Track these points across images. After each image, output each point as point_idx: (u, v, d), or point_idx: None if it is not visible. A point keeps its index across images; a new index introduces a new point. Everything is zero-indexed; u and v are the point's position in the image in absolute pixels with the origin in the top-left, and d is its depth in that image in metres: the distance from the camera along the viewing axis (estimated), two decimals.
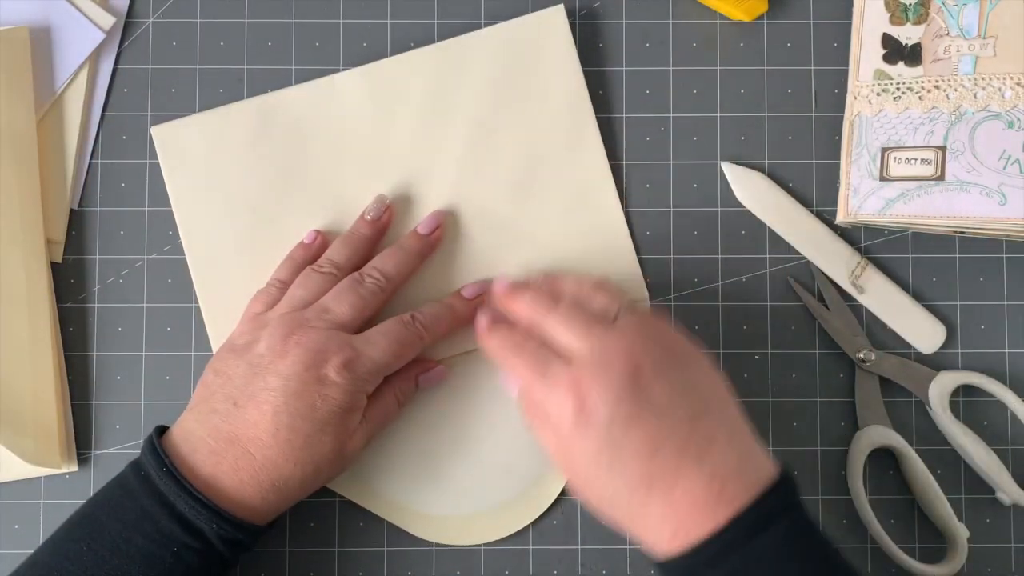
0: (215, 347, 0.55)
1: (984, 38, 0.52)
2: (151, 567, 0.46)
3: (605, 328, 0.46)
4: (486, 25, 0.57)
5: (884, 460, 0.56)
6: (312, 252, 0.54)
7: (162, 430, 0.50)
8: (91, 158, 0.56)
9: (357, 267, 0.53)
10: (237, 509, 0.47)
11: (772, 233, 0.57)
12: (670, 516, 0.43)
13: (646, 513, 0.44)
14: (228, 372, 0.49)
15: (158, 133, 0.56)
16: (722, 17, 0.57)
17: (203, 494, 0.46)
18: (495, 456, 0.55)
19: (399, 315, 0.52)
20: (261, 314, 0.51)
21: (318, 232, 0.54)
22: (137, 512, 0.46)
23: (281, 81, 0.57)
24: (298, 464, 0.48)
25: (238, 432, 0.48)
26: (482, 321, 0.50)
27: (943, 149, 0.53)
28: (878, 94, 0.54)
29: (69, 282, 0.56)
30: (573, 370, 0.45)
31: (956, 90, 0.53)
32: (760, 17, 0.57)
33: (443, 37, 0.57)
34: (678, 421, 0.44)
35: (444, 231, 0.55)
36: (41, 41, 0.56)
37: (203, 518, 0.46)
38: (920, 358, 0.56)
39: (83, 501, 0.49)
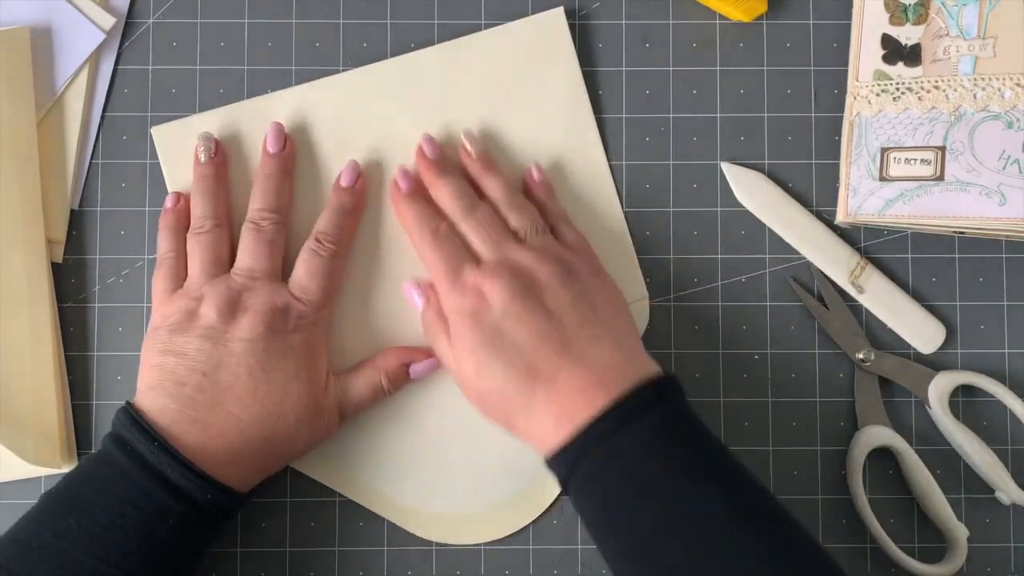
0: None
1: (984, 38, 0.52)
2: (145, 539, 0.46)
3: (515, 245, 0.50)
4: (486, 26, 0.57)
5: (884, 460, 0.56)
6: (180, 213, 0.54)
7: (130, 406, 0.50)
8: (91, 158, 0.56)
9: (226, 207, 0.54)
10: (226, 476, 0.48)
11: (772, 233, 0.57)
12: (553, 404, 0.46)
13: (531, 404, 0.47)
14: (182, 350, 0.49)
15: (158, 133, 0.56)
16: (722, 17, 0.58)
17: (195, 463, 0.47)
18: (495, 456, 0.55)
19: (307, 244, 0.53)
20: (176, 290, 0.52)
21: (178, 193, 0.55)
22: (128, 487, 0.47)
23: (281, 81, 0.57)
24: (280, 416, 0.50)
25: (217, 398, 0.49)
26: (402, 185, 0.54)
27: (943, 149, 0.53)
28: (878, 94, 0.54)
29: (69, 282, 0.56)
30: (478, 274, 0.49)
31: (956, 90, 0.53)
32: (760, 17, 0.57)
33: (443, 38, 0.57)
34: (567, 323, 0.47)
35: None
36: (41, 41, 0.56)
37: (196, 488, 0.47)
38: (920, 358, 0.56)
39: None
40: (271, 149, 0.54)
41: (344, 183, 0.54)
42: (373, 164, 0.56)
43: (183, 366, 0.49)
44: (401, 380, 0.54)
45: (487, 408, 0.49)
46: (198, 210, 0.53)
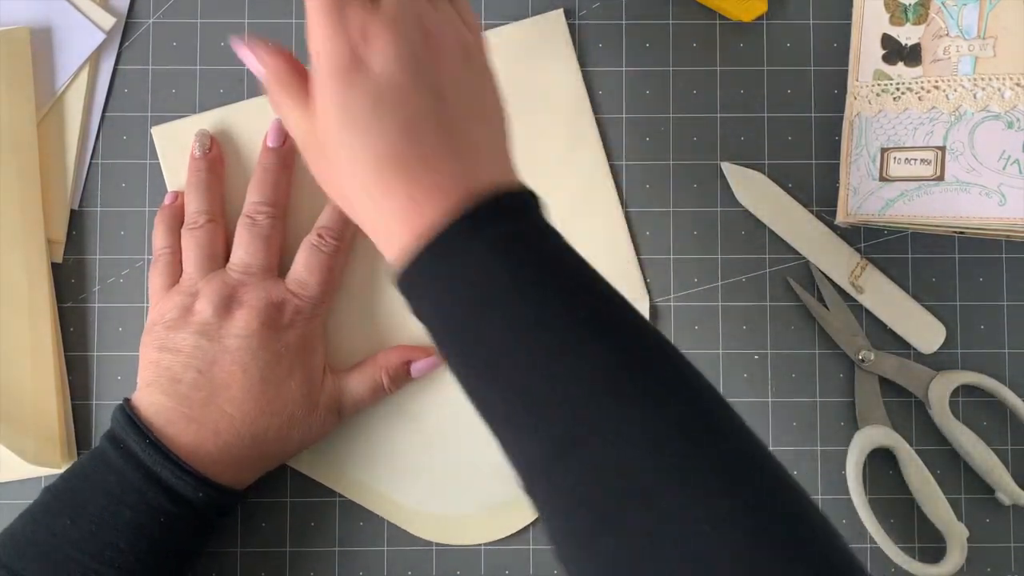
0: None
1: (984, 38, 0.52)
2: (138, 537, 0.46)
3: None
4: (486, 26, 0.57)
5: (884, 460, 0.56)
6: (177, 210, 0.54)
7: (127, 403, 0.50)
8: (91, 158, 0.56)
9: (220, 203, 0.54)
10: (220, 474, 0.48)
11: (772, 233, 0.57)
12: (411, 198, 0.38)
13: (388, 191, 0.39)
14: (177, 347, 0.49)
15: (158, 133, 0.56)
16: (722, 17, 0.57)
17: (188, 463, 0.47)
18: (495, 456, 0.55)
19: (308, 239, 0.52)
20: (172, 286, 0.52)
21: (176, 192, 0.55)
22: (122, 485, 0.47)
23: None
24: (275, 414, 0.49)
25: (211, 396, 0.49)
26: None
27: (943, 149, 0.53)
28: (878, 94, 0.54)
29: (69, 282, 0.56)
30: (369, 14, 0.39)
31: (956, 90, 0.53)
32: (760, 17, 0.57)
33: None
34: (453, 108, 0.40)
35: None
36: (41, 42, 0.56)
37: (189, 487, 0.47)
38: (920, 358, 0.56)
39: None
40: (271, 143, 0.54)
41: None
42: None
43: (179, 363, 0.49)
44: (402, 378, 0.54)
45: (329, 175, 0.41)
46: (192, 205, 0.53)
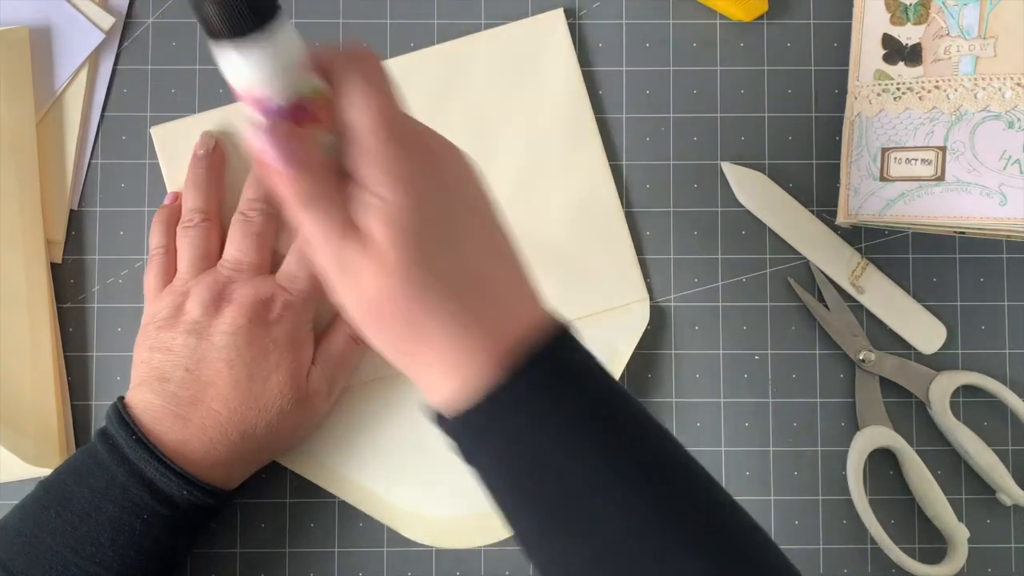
0: None
1: (984, 38, 0.52)
2: (120, 534, 0.46)
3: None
4: (486, 26, 0.57)
5: (884, 460, 0.56)
6: (175, 210, 0.54)
7: (121, 400, 0.50)
8: (91, 158, 0.56)
9: (217, 203, 0.54)
10: (207, 473, 0.48)
11: (772, 233, 0.57)
12: (459, 354, 0.38)
13: (444, 336, 0.38)
14: (167, 346, 0.50)
15: (158, 133, 0.56)
16: (722, 17, 0.57)
17: (173, 461, 0.47)
18: None
19: (297, 240, 0.52)
20: (163, 285, 0.52)
21: (177, 192, 0.55)
22: (107, 480, 0.47)
23: None
24: (263, 410, 0.49)
25: (199, 394, 0.49)
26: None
27: (943, 149, 0.53)
28: (878, 94, 0.54)
29: (69, 282, 0.56)
30: (383, 203, 0.37)
31: (956, 90, 0.53)
32: (760, 17, 0.57)
33: (443, 38, 0.57)
34: (474, 271, 0.39)
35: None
36: (41, 41, 0.56)
37: (174, 485, 0.47)
38: (920, 358, 0.56)
39: None
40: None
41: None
42: None
43: (168, 362, 0.49)
44: None
45: (383, 321, 0.38)
46: (188, 203, 0.53)
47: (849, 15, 0.56)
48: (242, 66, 0.36)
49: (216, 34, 0.35)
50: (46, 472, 0.54)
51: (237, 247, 0.52)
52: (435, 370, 0.38)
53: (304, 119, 0.38)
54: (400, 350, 0.39)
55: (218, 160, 0.55)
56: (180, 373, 0.49)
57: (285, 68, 0.36)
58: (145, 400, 0.49)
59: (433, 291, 0.38)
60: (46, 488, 0.48)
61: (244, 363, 0.49)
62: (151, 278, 0.53)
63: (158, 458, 0.47)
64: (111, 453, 0.47)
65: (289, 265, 0.52)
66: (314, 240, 0.38)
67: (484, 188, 0.41)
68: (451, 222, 0.39)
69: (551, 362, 0.38)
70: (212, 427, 0.48)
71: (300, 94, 0.37)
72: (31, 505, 0.48)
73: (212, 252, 0.52)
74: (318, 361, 0.52)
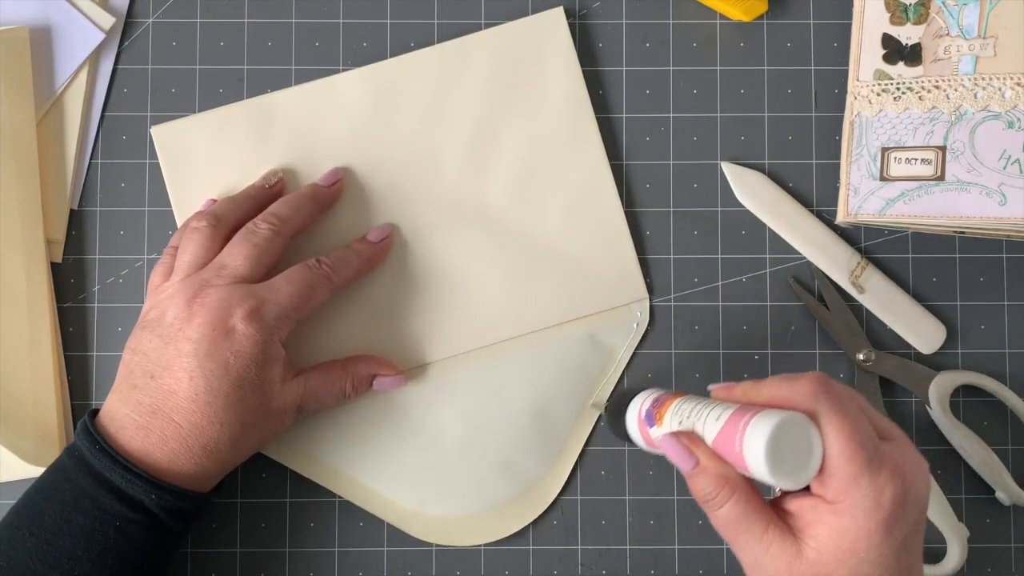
0: None
1: (984, 38, 0.52)
2: (95, 544, 0.46)
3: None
4: (486, 26, 0.57)
5: None
6: None
7: (95, 413, 0.49)
8: (91, 158, 0.56)
9: (241, 221, 0.52)
10: (175, 479, 0.47)
11: (772, 233, 0.57)
12: None
13: None
14: (143, 348, 0.49)
15: (158, 133, 0.56)
16: (722, 17, 0.57)
17: (136, 467, 0.46)
18: (494, 456, 0.55)
19: (304, 260, 0.51)
20: (161, 284, 0.51)
21: (214, 199, 0.54)
22: (75, 492, 0.46)
23: (281, 81, 0.57)
24: (224, 424, 0.47)
25: (159, 403, 0.47)
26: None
27: (943, 149, 0.53)
28: (878, 94, 0.54)
29: (69, 282, 0.56)
30: (900, 455, 0.40)
31: (956, 90, 0.53)
32: (760, 17, 0.57)
33: (443, 37, 0.57)
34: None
35: (343, 185, 0.55)
36: (41, 41, 0.56)
37: (140, 490, 0.46)
38: (920, 358, 0.56)
39: None
40: (320, 182, 0.54)
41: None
42: (373, 165, 0.56)
43: (140, 366, 0.48)
44: (364, 388, 0.53)
45: None
46: (213, 208, 0.52)
47: (849, 15, 0.56)
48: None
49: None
50: None
51: (229, 251, 0.50)
52: None
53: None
54: None
55: (276, 190, 0.54)
56: (145, 380, 0.48)
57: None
58: (113, 408, 0.48)
59: None
60: (17, 511, 0.47)
61: (204, 375, 0.47)
62: (156, 276, 0.52)
63: (123, 465, 0.46)
64: (77, 465, 0.47)
65: (277, 280, 0.50)
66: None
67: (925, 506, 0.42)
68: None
69: None
70: (172, 439, 0.47)
71: None
72: (4, 530, 0.47)
73: (211, 259, 0.51)
74: (300, 384, 0.50)
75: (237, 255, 0.50)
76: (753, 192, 0.56)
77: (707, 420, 0.41)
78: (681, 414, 0.43)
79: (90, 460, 0.47)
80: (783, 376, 0.40)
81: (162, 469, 0.47)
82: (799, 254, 0.57)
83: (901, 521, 0.39)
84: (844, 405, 0.39)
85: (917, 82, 0.54)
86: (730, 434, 0.39)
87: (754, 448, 0.38)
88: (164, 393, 0.47)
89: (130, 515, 0.46)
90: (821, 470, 0.39)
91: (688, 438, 0.42)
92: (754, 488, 0.41)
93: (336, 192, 0.55)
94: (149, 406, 0.47)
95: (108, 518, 0.46)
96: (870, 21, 0.55)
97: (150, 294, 0.51)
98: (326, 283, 0.51)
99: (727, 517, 0.40)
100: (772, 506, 0.41)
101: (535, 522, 0.55)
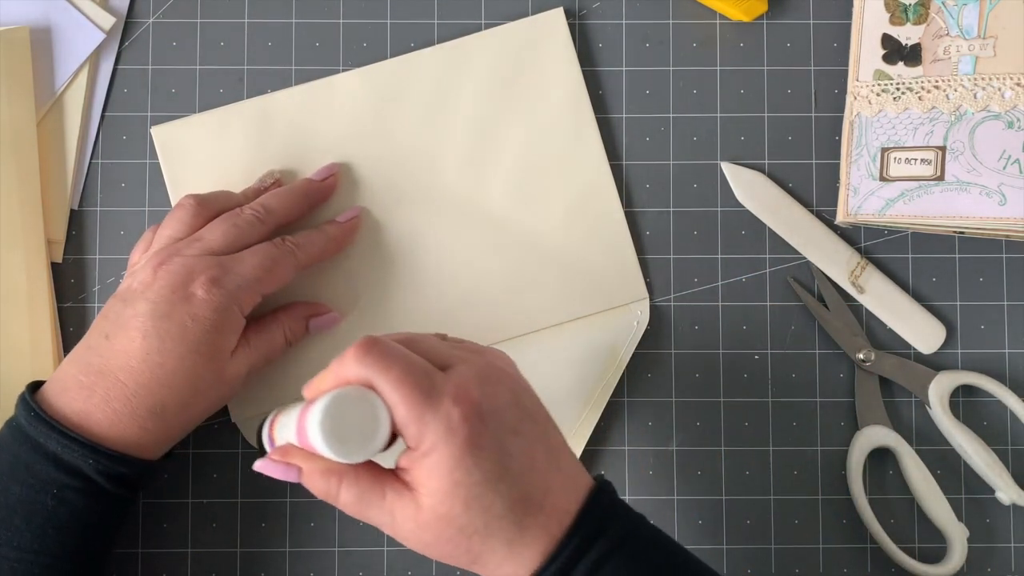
0: None
1: (984, 38, 0.52)
2: (34, 514, 0.45)
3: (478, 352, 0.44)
4: (486, 26, 0.57)
5: (884, 460, 0.56)
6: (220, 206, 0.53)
7: (38, 384, 0.49)
8: (91, 158, 0.56)
9: (228, 209, 0.52)
10: (115, 443, 0.46)
11: (772, 233, 0.57)
12: (541, 533, 0.41)
13: (520, 538, 0.41)
14: (105, 313, 0.48)
15: (158, 133, 0.56)
16: (722, 17, 0.58)
17: (73, 431, 0.45)
18: None
19: (273, 240, 0.51)
20: (138, 260, 0.51)
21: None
22: (10, 461, 0.46)
23: (281, 81, 0.57)
24: (173, 388, 0.47)
25: (108, 363, 0.47)
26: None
27: (943, 149, 0.53)
28: (878, 94, 0.54)
29: (69, 282, 0.56)
30: (457, 377, 0.41)
31: (956, 90, 0.53)
32: (760, 17, 0.57)
33: (443, 38, 0.57)
34: (548, 429, 0.43)
35: (337, 180, 0.55)
36: (41, 41, 0.56)
37: (77, 455, 0.45)
38: (920, 358, 0.56)
39: None
40: (314, 176, 0.55)
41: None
42: (373, 165, 0.56)
43: (98, 328, 0.48)
44: (301, 332, 0.53)
45: (450, 546, 0.41)
46: (202, 194, 0.52)
47: (849, 15, 0.56)
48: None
49: None
50: None
51: (208, 228, 0.50)
52: (538, 543, 0.41)
53: None
54: (507, 526, 0.41)
55: (326, 187, 0.55)
56: (99, 340, 0.47)
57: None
58: (62, 371, 0.48)
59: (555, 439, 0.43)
60: None
61: (158, 335, 0.46)
62: (134, 252, 0.52)
63: (59, 431, 0.45)
64: (14, 435, 0.46)
65: (242, 252, 0.50)
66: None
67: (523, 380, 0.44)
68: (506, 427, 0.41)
69: (608, 518, 0.42)
70: (116, 399, 0.46)
71: None
72: None
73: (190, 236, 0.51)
74: (246, 347, 0.50)
75: (215, 230, 0.50)
76: (753, 192, 0.57)
77: (292, 424, 0.42)
78: (284, 428, 0.43)
79: (26, 429, 0.46)
80: (338, 356, 0.41)
81: (102, 433, 0.46)
82: (799, 254, 0.57)
83: (486, 434, 0.40)
84: (388, 355, 0.40)
85: (917, 82, 0.54)
86: (302, 429, 0.40)
87: (313, 433, 0.39)
88: (115, 352, 0.47)
89: (67, 481, 0.45)
90: (395, 426, 0.40)
91: (281, 452, 0.43)
92: (362, 466, 0.41)
93: (329, 187, 0.55)
94: (97, 366, 0.47)
95: (44, 486, 0.45)
96: (870, 21, 0.55)
97: (127, 269, 0.51)
98: (290, 258, 0.51)
99: (348, 502, 0.41)
100: (394, 471, 0.42)
101: None
